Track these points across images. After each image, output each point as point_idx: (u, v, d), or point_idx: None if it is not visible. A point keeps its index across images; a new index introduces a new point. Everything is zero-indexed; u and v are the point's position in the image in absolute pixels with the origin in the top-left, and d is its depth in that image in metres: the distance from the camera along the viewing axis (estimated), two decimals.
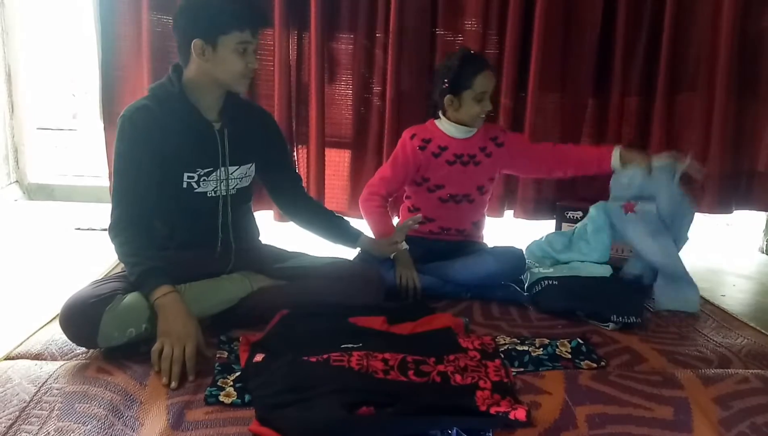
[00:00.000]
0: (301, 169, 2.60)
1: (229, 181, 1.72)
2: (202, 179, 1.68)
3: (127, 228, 1.60)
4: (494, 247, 2.15)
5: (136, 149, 1.62)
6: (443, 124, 2.12)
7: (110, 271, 2.13)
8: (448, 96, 2.04)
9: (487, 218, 2.32)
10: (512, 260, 2.08)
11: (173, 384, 1.38)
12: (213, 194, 1.71)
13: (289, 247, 1.93)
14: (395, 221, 2.29)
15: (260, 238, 1.93)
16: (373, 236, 2.09)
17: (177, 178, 1.65)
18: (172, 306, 1.49)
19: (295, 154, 2.59)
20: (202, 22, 1.59)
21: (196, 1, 1.61)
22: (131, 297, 1.53)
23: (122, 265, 1.62)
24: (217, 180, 1.70)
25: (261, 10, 1.69)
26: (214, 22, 1.58)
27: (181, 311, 1.49)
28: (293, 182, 1.97)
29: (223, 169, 1.70)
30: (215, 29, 1.59)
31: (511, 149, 2.19)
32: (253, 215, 1.91)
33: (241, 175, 1.75)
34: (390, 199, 2.20)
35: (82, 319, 1.47)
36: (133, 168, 1.62)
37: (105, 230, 1.65)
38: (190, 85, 1.66)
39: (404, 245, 2.02)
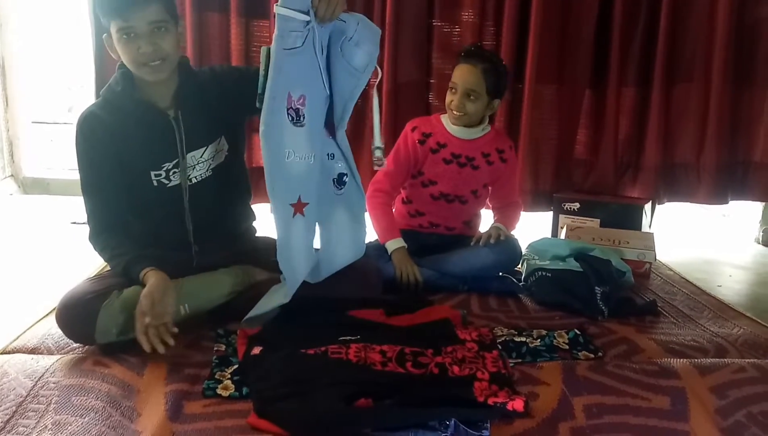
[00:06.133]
0: None
1: (198, 166, 1.64)
2: (171, 173, 1.62)
3: (102, 233, 1.60)
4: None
5: (92, 157, 1.58)
6: (447, 121, 2.08)
7: (106, 266, 2.12)
8: None
9: (482, 212, 2.29)
10: (508, 250, 2.08)
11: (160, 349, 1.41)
12: (188, 184, 1.64)
13: None
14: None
15: (255, 224, 1.88)
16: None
17: (146, 179, 1.61)
18: (158, 278, 1.48)
19: None
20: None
21: None
22: (128, 293, 1.52)
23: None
24: (185, 169, 1.63)
25: None
26: (100, 16, 1.54)
27: (167, 286, 1.48)
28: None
29: (188, 156, 1.62)
30: (105, 22, 1.52)
31: (507, 169, 2.18)
32: (244, 201, 1.83)
33: (211, 154, 1.66)
34: (396, 195, 2.17)
35: (78, 316, 1.47)
36: (95, 176, 1.59)
37: None
38: (137, 80, 1.58)
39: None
